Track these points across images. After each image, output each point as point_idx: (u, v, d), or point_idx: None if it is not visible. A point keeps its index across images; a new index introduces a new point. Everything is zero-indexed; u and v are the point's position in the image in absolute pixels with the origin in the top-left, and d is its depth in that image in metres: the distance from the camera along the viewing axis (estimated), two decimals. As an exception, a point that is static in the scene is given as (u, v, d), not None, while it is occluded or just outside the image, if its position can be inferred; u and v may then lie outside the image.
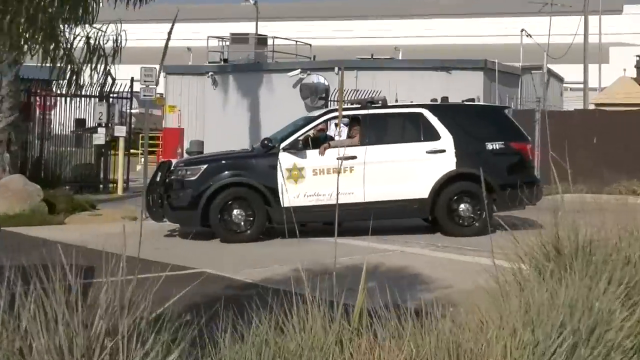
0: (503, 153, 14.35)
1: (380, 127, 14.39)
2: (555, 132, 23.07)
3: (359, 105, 14.73)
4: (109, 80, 21.93)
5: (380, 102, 14.76)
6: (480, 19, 56.59)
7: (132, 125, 36.80)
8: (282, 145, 13.99)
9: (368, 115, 14.35)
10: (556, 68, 42.89)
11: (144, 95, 17.54)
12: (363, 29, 58.13)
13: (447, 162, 14.21)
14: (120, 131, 22.34)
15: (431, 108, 14.62)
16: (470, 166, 13.95)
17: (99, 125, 21.84)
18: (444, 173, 14.16)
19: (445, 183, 14.16)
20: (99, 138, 21.71)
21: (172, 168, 14.34)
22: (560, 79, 44.73)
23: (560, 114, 25.86)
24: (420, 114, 14.46)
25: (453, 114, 14.55)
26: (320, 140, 15.99)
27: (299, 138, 14.10)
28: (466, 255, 12.09)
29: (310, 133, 16.30)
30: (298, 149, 13.92)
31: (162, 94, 33.37)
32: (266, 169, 13.81)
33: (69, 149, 22.10)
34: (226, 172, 13.86)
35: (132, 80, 23.32)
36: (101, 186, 22.21)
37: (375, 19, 58.65)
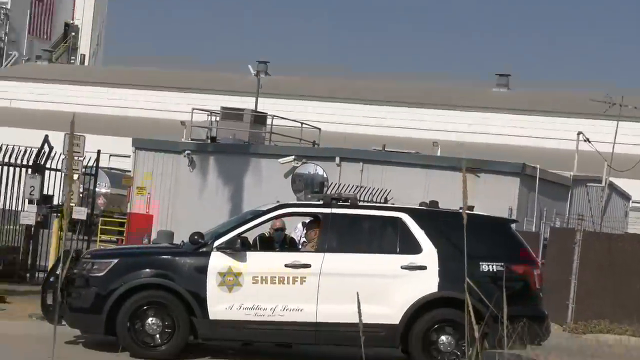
0: (501, 277, 13.64)
1: (346, 231, 13.92)
2: (600, 258, 22.59)
3: (321, 202, 14.08)
4: (45, 148, 21.64)
5: (349, 199, 14.12)
6: (529, 116, 56.32)
7: (102, 207, 36.69)
8: (217, 243, 13.54)
9: (331, 215, 13.87)
10: (621, 183, 42.26)
11: (66, 169, 16.94)
12: (393, 116, 57.99)
13: (428, 282, 13.68)
14: (81, 213, 21.92)
15: (413, 213, 14.15)
16: (457, 289, 13.34)
17: (30, 202, 21.37)
18: (423, 295, 13.63)
19: (422, 308, 13.63)
20: (28, 217, 21.20)
21: (78, 259, 13.80)
22: (626, 197, 44.05)
23: (607, 236, 25.00)
24: (399, 219, 13.99)
25: (441, 222, 14.05)
26: (275, 241, 15.40)
27: (239, 235, 13.65)
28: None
29: (267, 231, 15.71)
30: (235, 249, 13.48)
31: (129, 172, 33.00)
32: (193, 270, 13.40)
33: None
34: (142, 270, 13.44)
35: (98, 152, 23.03)
36: (28, 275, 21.68)
37: (409, 106, 58.60)
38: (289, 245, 15.97)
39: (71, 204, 20.72)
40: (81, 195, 22.48)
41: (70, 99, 63.10)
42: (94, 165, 22.77)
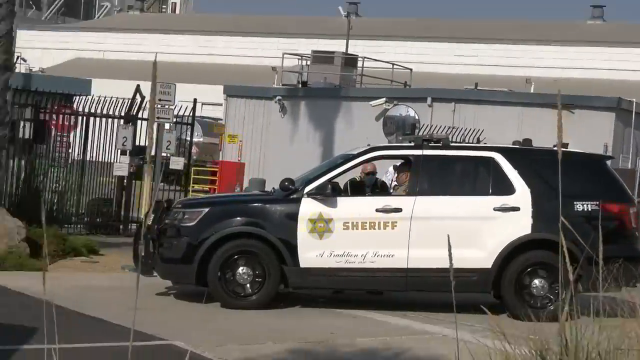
0: (596, 216, 13.36)
1: (437, 173, 13.79)
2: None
3: (412, 144, 13.89)
4: (137, 98, 21.75)
5: (441, 140, 13.92)
6: (626, 48, 55.00)
7: (194, 157, 37.12)
8: (307, 189, 13.41)
9: (422, 158, 13.71)
10: None
11: (158, 118, 17.05)
12: (484, 54, 57.14)
13: (521, 224, 13.47)
14: (177, 163, 22.10)
15: (506, 153, 13.92)
16: (551, 231, 13.09)
17: (123, 153, 21.52)
18: (516, 237, 13.43)
19: (515, 250, 13.44)
20: (121, 168, 21.36)
21: (169, 209, 13.80)
22: None
23: None
24: (491, 160, 13.77)
25: (534, 162, 13.82)
26: (366, 186, 15.31)
27: (330, 181, 13.53)
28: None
29: (357, 176, 15.61)
30: (326, 194, 13.35)
31: (221, 119, 33.13)
32: (284, 218, 13.30)
33: (87, 179, 21.81)
34: (232, 219, 13.38)
35: (194, 102, 23.11)
36: (121, 226, 21.89)
37: (501, 42, 57.68)
38: (380, 189, 15.89)
39: (169, 154, 21.03)
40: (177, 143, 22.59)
41: (162, 48, 63.42)
42: (190, 114, 22.80)
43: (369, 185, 15.53)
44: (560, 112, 7.17)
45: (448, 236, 7.52)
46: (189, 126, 22.97)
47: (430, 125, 28.31)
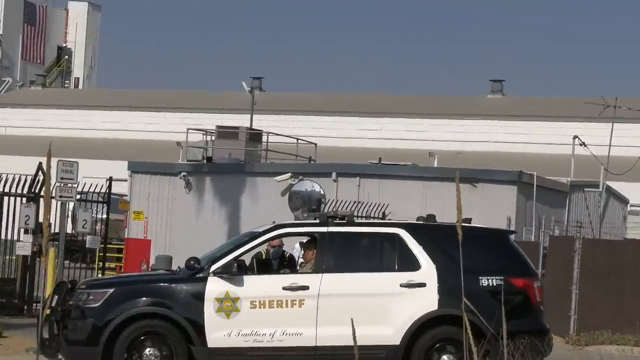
0: (501, 291, 13.45)
1: (343, 249, 13.74)
2: (600, 266, 22.26)
3: (317, 220, 13.90)
4: (40, 176, 21.48)
5: (345, 217, 13.95)
6: (525, 122, 56.17)
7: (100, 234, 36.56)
8: (213, 267, 13.33)
9: (327, 234, 13.69)
10: (618, 187, 42.10)
11: (60, 197, 16.84)
12: (388, 128, 57.88)
13: (428, 300, 13.48)
14: (94, 242, 21.82)
15: (410, 228, 13.96)
16: (458, 306, 13.08)
17: (26, 231, 21.19)
18: (423, 313, 13.42)
19: (423, 326, 13.41)
20: (24, 247, 21.00)
21: (73, 290, 13.63)
22: (623, 201, 43.88)
23: (606, 243, 24.83)
24: (396, 236, 13.81)
25: (438, 237, 13.84)
26: (272, 259, 15.32)
27: (236, 259, 13.43)
28: None
29: (264, 249, 15.58)
30: (232, 273, 13.26)
31: (126, 196, 32.86)
32: (190, 297, 13.18)
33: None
34: (138, 299, 13.21)
35: (110, 180, 22.94)
36: (25, 307, 21.47)
37: (405, 117, 58.48)
38: (288, 262, 15.83)
39: (85, 233, 20.82)
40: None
41: (65, 123, 63.05)
42: (106, 192, 22.62)
43: (275, 258, 15.52)
44: (459, 187, 7.26)
45: (352, 319, 7.58)
46: (103, 204, 22.81)
47: (336, 200, 28.44)
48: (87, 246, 21.22)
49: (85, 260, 33.58)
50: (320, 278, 13.34)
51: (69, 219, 25.60)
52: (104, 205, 22.91)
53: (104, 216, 24.56)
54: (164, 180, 32.52)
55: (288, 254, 16.51)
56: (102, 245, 23.81)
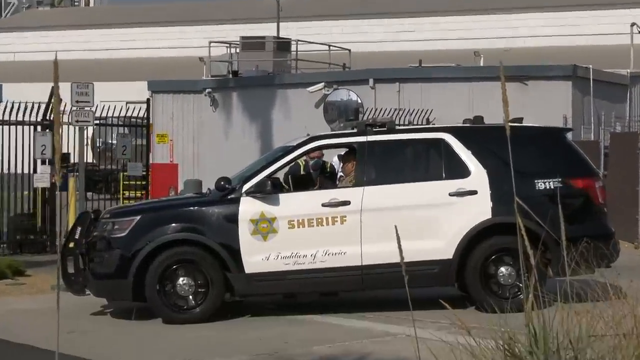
0: (560, 194, 13.34)
1: (385, 160, 13.78)
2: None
3: (354, 130, 13.84)
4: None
5: (385, 124, 13.90)
6: (575, 12, 55.40)
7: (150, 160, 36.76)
8: (245, 187, 13.34)
9: (367, 144, 13.66)
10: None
11: (77, 121, 16.84)
12: (426, 28, 57.32)
13: (480, 208, 13.48)
14: (135, 169, 21.90)
15: (457, 132, 13.92)
16: (513, 213, 12.92)
17: (43, 162, 21.22)
18: (476, 223, 13.44)
19: (477, 237, 13.44)
20: (42, 179, 21.04)
21: (97, 220, 13.73)
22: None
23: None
24: (442, 141, 13.78)
25: (488, 140, 13.77)
26: (312, 170, 15.36)
27: (269, 177, 13.47)
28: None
29: (300, 161, 15.59)
30: (266, 191, 13.23)
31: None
32: (222, 220, 13.22)
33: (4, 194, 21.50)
34: (167, 226, 13.25)
35: (148, 101, 23.10)
36: (48, 243, 21.60)
37: (442, 14, 57.88)
38: (330, 174, 15.82)
39: (125, 159, 21.09)
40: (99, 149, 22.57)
41: (77, 45, 62.96)
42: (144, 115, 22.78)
43: (315, 169, 15.53)
44: (504, 80, 7.14)
45: (396, 227, 7.53)
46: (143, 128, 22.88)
47: (375, 108, 28.30)
48: (128, 174, 21.17)
49: (109, 190, 33.74)
50: (361, 192, 13.35)
51: (89, 147, 25.71)
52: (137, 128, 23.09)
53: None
54: (187, 99, 32.52)
55: (329, 163, 16.49)
56: (144, 172, 23.86)
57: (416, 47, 54.15)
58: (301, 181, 15.11)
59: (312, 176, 16.03)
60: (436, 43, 55.56)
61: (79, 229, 13.71)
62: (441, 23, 57.42)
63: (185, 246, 13.17)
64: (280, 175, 14.71)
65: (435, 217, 13.36)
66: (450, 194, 13.45)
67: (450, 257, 13.31)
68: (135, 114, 23.71)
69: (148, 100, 23.56)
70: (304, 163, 16.49)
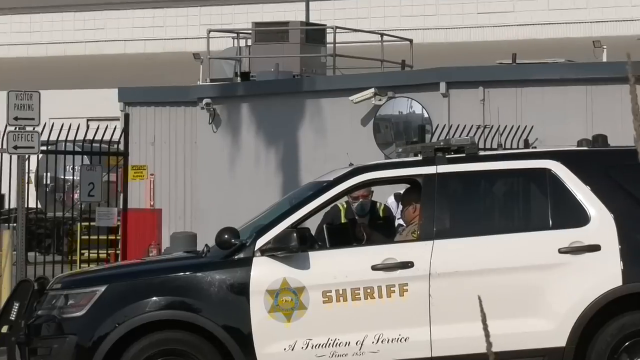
0: None
1: (464, 200, 14.06)
2: None
3: (419, 157, 14.08)
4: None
5: (464, 148, 13.99)
6: None
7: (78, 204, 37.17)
8: (260, 242, 13.45)
9: (438, 178, 13.82)
10: None
11: (15, 148, 16.93)
12: (522, 7, 57.42)
13: (606, 271, 13.62)
14: (108, 218, 22.21)
15: (570, 159, 14.07)
16: (656, 278, 13.33)
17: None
18: (600, 294, 13.56)
19: (602, 315, 13.57)
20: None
21: (43, 292, 13.88)
22: None
23: None
24: (547, 172, 13.90)
25: (614, 170, 14.03)
26: (355, 224, 15.46)
27: (295, 227, 13.57)
28: None
29: (340, 203, 15.74)
30: (291, 248, 13.32)
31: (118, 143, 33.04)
32: (227, 292, 13.42)
33: None
34: (146, 300, 13.47)
35: (126, 117, 23.31)
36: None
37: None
38: (384, 223, 15.90)
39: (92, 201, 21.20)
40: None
41: (13, 37, 63.52)
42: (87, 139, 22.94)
43: (362, 215, 15.63)
44: (634, 86, 7.05)
45: (480, 301, 7.46)
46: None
47: (448, 124, 28.34)
48: (97, 224, 21.84)
49: (61, 249, 33.85)
50: (430, 248, 13.47)
51: (32, 185, 25.84)
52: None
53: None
54: (176, 114, 32.90)
55: (382, 206, 16.55)
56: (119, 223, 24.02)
57: (508, 35, 54.32)
58: (342, 233, 15.13)
59: (357, 225, 16.00)
60: (536, 30, 55.70)
61: (16, 305, 13.75)
62: (541, 1, 57.46)
63: (173, 330, 13.34)
64: (312, 224, 14.70)
65: (539, 286, 13.48)
66: (561, 251, 13.54)
67: (562, 344, 13.41)
68: (101, 136, 23.78)
69: (127, 116, 23.58)
70: (345, 206, 16.54)
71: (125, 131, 23.88)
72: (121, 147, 24.78)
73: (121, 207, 32.12)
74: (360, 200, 16.44)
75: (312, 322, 13.21)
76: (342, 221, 16.87)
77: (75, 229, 30.45)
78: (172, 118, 32.81)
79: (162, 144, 32.70)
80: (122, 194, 32.95)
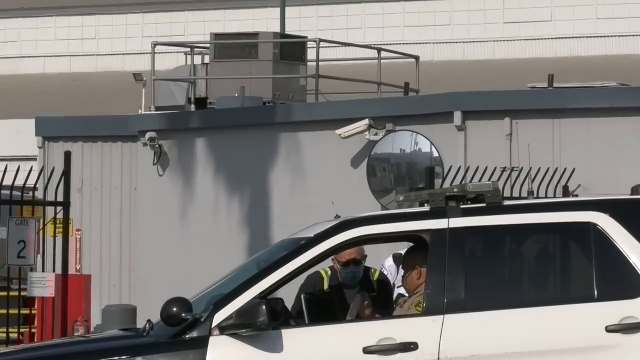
0: None
1: (483, 263, 14.12)
2: None
3: (426, 208, 14.12)
4: None
5: (484, 195, 14.01)
6: None
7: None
8: (219, 317, 13.50)
9: (450, 234, 13.91)
10: None
11: None
12: (562, 17, 57.75)
13: None
14: (42, 286, 22.47)
15: (621, 212, 14.16)
16: None
17: None
18: None
19: None
20: None
21: None
22: None
23: None
24: (591, 228, 13.98)
25: None
26: (342, 294, 15.57)
27: (264, 297, 13.64)
28: None
29: (322, 269, 15.84)
30: (258, 325, 13.32)
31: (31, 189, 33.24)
32: None
33: None
34: None
35: (67, 156, 23.51)
36: None
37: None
38: (379, 292, 16.01)
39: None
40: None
41: None
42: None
43: (351, 286, 15.71)
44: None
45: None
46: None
47: (465, 167, 28.47)
48: (29, 294, 22.87)
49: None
50: (439, 325, 13.52)
51: None
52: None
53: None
54: (111, 152, 33.01)
55: (377, 272, 16.65)
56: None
57: (543, 51, 54.64)
58: (325, 305, 15.18)
59: (344, 296, 16.10)
60: (580, 44, 56.02)
61: None
62: (586, 5, 57.63)
63: None
64: (287, 294, 14.80)
65: (584, 375, 13.61)
66: (609, 329, 13.59)
67: None
68: (10, 181, 23.91)
69: (68, 155, 23.71)
70: (329, 272, 16.60)
71: (66, 173, 23.98)
72: (38, 194, 24.97)
73: (60, 271, 32.53)
74: (350, 263, 16.49)
75: None
76: (324, 289, 16.95)
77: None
78: (106, 157, 32.99)
79: (91, 190, 32.89)
80: (38, 255, 33.29)
